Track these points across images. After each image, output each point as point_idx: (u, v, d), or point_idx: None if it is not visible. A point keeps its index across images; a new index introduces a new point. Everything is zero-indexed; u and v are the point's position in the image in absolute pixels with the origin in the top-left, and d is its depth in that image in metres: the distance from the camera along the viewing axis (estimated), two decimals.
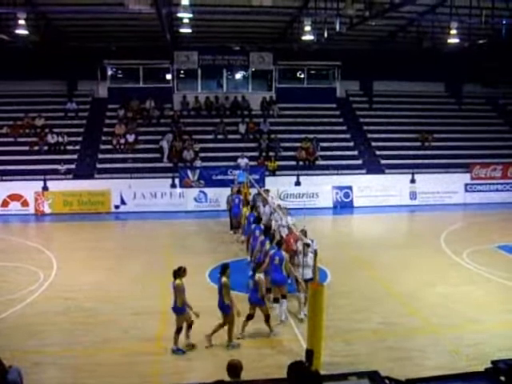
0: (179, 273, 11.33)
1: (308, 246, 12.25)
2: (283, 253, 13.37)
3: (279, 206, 18.59)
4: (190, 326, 11.39)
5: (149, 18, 22.24)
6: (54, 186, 26.26)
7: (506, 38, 23.12)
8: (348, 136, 31.63)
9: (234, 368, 6.80)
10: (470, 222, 24.66)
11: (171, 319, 12.83)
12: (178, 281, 11.26)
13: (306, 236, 13.10)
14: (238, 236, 20.46)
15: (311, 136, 29.92)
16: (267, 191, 21.13)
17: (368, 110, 33.40)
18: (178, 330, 11.29)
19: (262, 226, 16.36)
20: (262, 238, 15.22)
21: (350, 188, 27.69)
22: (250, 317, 11.93)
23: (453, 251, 18.76)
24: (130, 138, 29.29)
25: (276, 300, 12.88)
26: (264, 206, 18.87)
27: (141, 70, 32.48)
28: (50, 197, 25.93)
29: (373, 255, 18.55)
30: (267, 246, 14.37)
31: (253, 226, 17.04)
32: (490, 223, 24.05)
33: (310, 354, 6.77)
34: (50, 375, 10.43)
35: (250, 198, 22.00)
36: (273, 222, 17.13)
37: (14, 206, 25.71)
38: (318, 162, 29.40)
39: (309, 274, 12.39)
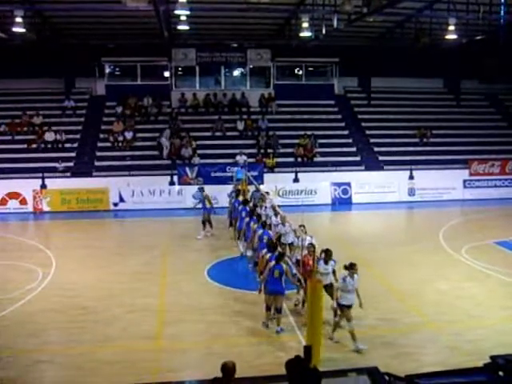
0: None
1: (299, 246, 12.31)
2: (270, 233, 14.59)
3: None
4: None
5: (146, 16, 22.23)
6: (53, 183, 26.23)
7: (504, 34, 23.08)
8: (346, 132, 31.62)
9: (227, 370, 6.76)
10: (468, 218, 24.67)
11: (170, 317, 12.89)
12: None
13: (305, 233, 12.96)
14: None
15: (309, 133, 29.91)
16: (267, 193, 20.45)
17: (366, 106, 33.39)
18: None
19: (248, 208, 17.47)
20: (247, 219, 16.66)
21: (348, 184, 27.69)
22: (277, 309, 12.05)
23: (451, 247, 18.77)
24: (128, 135, 29.26)
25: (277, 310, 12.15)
26: (284, 224, 15.92)
27: (138, 67, 32.42)
28: (49, 195, 25.90)
29: (371, 252, 18.54)
30: (254, 226, 15.54)
31: (240, 207, 18.34)
32: (488, 219, 24.07)
33: (308, 350, 6.74)
34: (50, 373, 10.43)
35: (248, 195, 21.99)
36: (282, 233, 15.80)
37: (13, 204, 25.69)
38: (316, 159, 29.40)
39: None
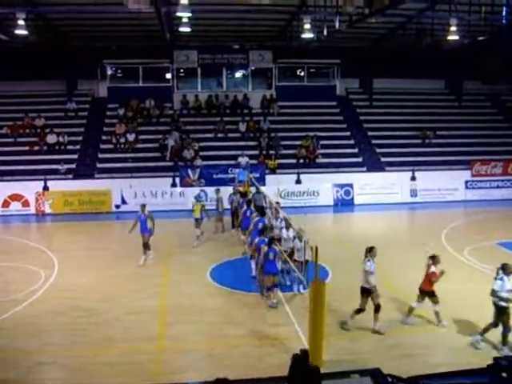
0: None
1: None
2: (265, 220, 16.33)
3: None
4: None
5: (148, 17, 22.25)
6: (55, 185, 26.28)
7: (506, 35, 23.06)
8: (348, 134, 31.62)
9: None
10: (470, 219, 24.63)
11: (171, 318, 12.88)
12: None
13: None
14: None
15: (311, 134, 29.92)
16: (277, 203, 19.02)
17: (368, 107, 33.39)
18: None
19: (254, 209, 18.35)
20: (245, 208, 18.31)
21: (350, 186, 27.68)
22: (275, 285, 13.63)
23: (454, 248, 18.72)
24: (130, 137, 29.29)
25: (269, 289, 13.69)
26: (287, 229, 15.71)
27: (140, 69, 32.49)
28: (51, 197, 25.93)
29: None
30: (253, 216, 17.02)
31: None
32: (490, 220, 24.02)
33: (305, 353, 6.64)
34: (52, 375, 10.43)
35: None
36: (295, 249, 15.01)
37: (15, 207, 25.75)
38: (318, 160, 29.40)
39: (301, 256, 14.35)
